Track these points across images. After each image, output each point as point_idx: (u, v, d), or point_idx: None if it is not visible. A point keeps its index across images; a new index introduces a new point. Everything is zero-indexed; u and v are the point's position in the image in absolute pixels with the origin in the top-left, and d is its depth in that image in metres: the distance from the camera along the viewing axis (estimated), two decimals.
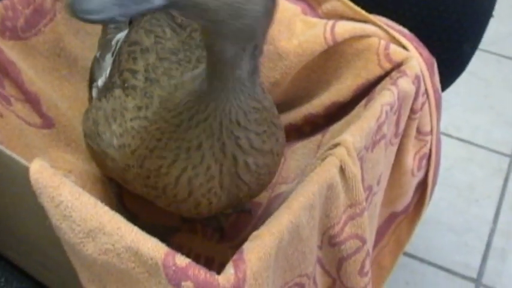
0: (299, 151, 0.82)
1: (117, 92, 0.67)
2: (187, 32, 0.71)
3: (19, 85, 0.77)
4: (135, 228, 0.53)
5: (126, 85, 0.66)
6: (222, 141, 0.57)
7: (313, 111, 0.80)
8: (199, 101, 0.57)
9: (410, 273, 1.16)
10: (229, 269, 0.50)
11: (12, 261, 0.73)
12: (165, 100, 0.62)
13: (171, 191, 0.61)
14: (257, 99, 0.58)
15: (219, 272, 0.51)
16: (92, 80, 0.75)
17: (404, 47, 0.72)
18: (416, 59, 0.71)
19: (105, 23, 0.60)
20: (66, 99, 0.84)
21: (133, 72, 0.66)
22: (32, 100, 0.79)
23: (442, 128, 1.38)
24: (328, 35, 0.73)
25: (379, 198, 0.74)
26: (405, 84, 0.68)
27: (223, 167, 0.59)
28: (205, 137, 0.57)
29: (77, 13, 0.42)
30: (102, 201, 0.55)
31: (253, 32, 0.52)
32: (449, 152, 1.36)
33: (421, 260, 1.19)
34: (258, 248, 0.51)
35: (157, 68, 0.65)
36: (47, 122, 0.81)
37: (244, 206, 0.78)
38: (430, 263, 1.19)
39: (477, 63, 1.54)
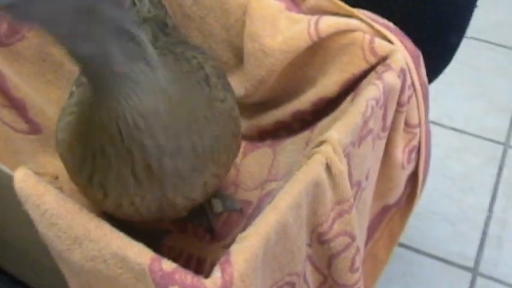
0: (288, 148, 0.82)
1: (73, 88, 0.67)
2: (170, 39, 0.71)
3: (4, 92, 0.77)
4: (121, 234, 0.52)
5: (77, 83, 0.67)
6: (127, 147, 0.52)
7: (301, 107, 0.80)
8: (92, 109, 0.53)
9: (407, 264, 1.16)
10: (216, 272, 0.50)
11: (2, 267, 0.73)
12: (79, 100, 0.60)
13: (89, 192, 0.59)
14: (158, 95, 0.51)
15: (209, 271, 0.51)
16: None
17: (389, 41, 0.71)
18: (402, 52, 0.70)
19: None
20: (53, 103, 0.83)
21: None
22: (18, 106, 0.79)
23: (435, 118, 1.39)
24: (312, 30, 0.73)
25: (368, 192, 0.74)
26: (390, 78, 0.67)
27: (136, 169, 0.54)
28: (107, 144, 0.53)
29: None
30: (90, 207, 0.55)
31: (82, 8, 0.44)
32: (443, 142, 1.36)
33: (417, 251, 1.19)
34: (245, 249, 0.51)
35: None
36: (34, 128, 0.81)
37: (235, 205, 0.78)
38: (426, 254, 1.19)
39: (468, 51, 1.54)
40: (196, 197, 0.60)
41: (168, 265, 0.50)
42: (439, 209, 1.24)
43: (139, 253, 0.51)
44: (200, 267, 0.75)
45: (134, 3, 0.78)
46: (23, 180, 0.56)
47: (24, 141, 0.80)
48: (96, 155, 0.55)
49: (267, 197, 0.77)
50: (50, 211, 0.55)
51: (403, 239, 0.91)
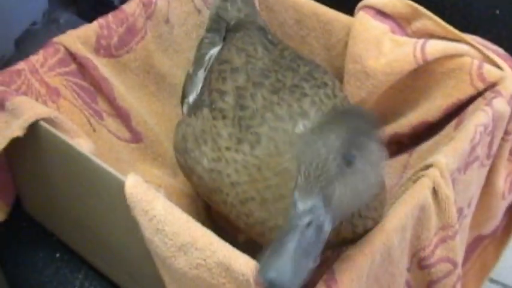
0: (385, 171, 0.81)
1: (205, 111, 0.67)
2: (278, 50, 0.71)
3: (111, 101, 0.80)
4: (227, 244, 0.53)
5: (213, 106, 0.66)
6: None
7: (400, 130, 0.79)
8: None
9: None
10: None
11: (102, 271, 0.75)
12: (274, 153, 0.59)
13: (257, 231, 0.60)
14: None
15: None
16: (183, 96, 0.76)
17: (498, 67, 0.70)
18: None
19: None
20: (154, 114, 0.86)
21: (222, 93, 0.66)
22: (122, 115, 0.81)
23: None
24: (418, 53, 0.72)
25: (468, 221, 0.72)
26: (500, 104, 0.66)
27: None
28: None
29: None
30: (196, 218, 0.56)
31: None
32: None
33: (504, 286, 1.15)
34: (350, 269, 0.51)
35: (252, 95, 0.64)
36: (136, 137, 0.83)
37: None
38: None
39: None
40: None
41: None
42: None
43: (245, 264, 0.51)
44: None
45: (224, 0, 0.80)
46: (134, 186, 0.58)
47: (126, 149, 0.82)
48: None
49: None
50: (158, 217, 0.56)
51: (491, 272, 0.88)
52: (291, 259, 0.43)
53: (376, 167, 0.49)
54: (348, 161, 0.47)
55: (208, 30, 0.82)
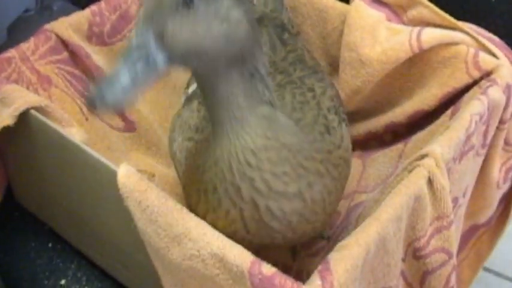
0: (379, 159, 0.81)
1: (195, 103, 0.68)
2: (286, 51, 0.71)
3: None
4: (221, 235, 0.53)
5: (199, 100, 0.67)
6: (237, 185, 0.54)
7: (395, 119, 0.79)
8: (208, 146, 0.56)
9: (486, 287, 1.13)
10: (316, 280, 0.49)
11: (94, 261, 0.75)
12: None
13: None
14: (270, 136, 0.53)
15: (295, 279, 0.50)
16: (186, 86, 0.76)
17: (494, 55, 0.69)
18: (507, 67, 0.68)
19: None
20: (147, 103, 0.85)
21: None
22: None
23: None
24: (413, 42, 0.71)
25: (463, 210, 0.72)
26: (495, 93, 0.66)
27: (244, 211, 0.55)
28: (218, 181, 0.55)
29: (106, 105, 0.46)
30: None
31: (241, 57, 0.50)
32: None
33: (497, 274, 1.15)
34: (345, 259, 0.50)
35: None
36: (129, 126, 0.83)
37: (323, 233, 0.77)
38: (507, 278, 1.15)
39: None
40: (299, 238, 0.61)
41: (268, 269, 0.50)
42: None
43: (239, 255, 0.51)
44: (286, 274, 0.74)
45: None
46: (127, 176, 0.57)
47: (119, 138, 0.82)
48: (208, 192, 0.56)
49: (357, 208, 0.76)
50: (151, 208, 0.55)
51: (485, 261, 0.88)
52: (120, 85, 0.45)
53: (225, 21, 0.48)
54: (186, 2, 0.47)
55: None
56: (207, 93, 0.52)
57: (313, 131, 0.61)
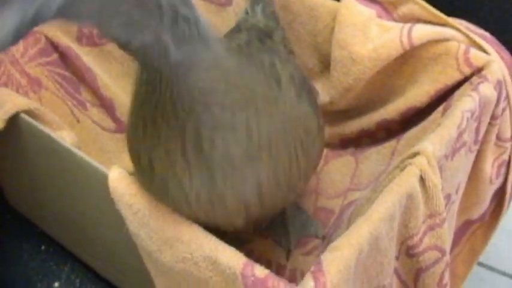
0: (372, 157, 0.80)
1: None
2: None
3: (95, 90, 0.79)
4: (213, 238, 0.53)
5: None
6: (181, 119, 0.49)
7: (388, 116, 0.78)
8: (146, 89, 0.50)
9: (480, 282, 1.13)
10: (309, 281, 0.49)
11: (88, 263, 0.74)
12: None
13: (140, 176, 0.56)
14: (215, 67, 0.49)
15: (289, 278, 0.50)
16: None
17: (485, 51, 0.69)
18: (498, 63, 0.68)
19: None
20: None
21: None
22: (106, 105, 0.80)
23: None
24: (404, 39, 0.71)
25: (456, 206, 0.72)
26: (487, 89, 0.65)
27: (186, 143, 0.50)
28: (160, 116, 0.50)
29: None
30: None
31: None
32: None
33: (491, 269, 1.15)
34: (338, 260, 0.50)
35: None
36: (121, 127, 0.82)
37: (318, 232, 0.76)
38: (500, 272, 1.15)
39: None
40: (251, 201, 0.55)
41: (261, 271, 0.50)
42: None
43: (231, 257, 0.51)
44: (279, 273, 0.74)
45: (247, 12, 0.78)
46: (118, 179, 0.57)
47: (111, 139, 0.81)
48: (147, 125, 0.51)
49: (350, 207, 0.76)
50: (143, 211, 0.55)
51: (479, 256, 0.88)
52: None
53: None
54: None
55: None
56: (132, 46, 0.44)
57: (258, 73, 0.56)
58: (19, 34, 0.36)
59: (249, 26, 0.76)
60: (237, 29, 0.77)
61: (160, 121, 0.50)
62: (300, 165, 0.58)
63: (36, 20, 0.36)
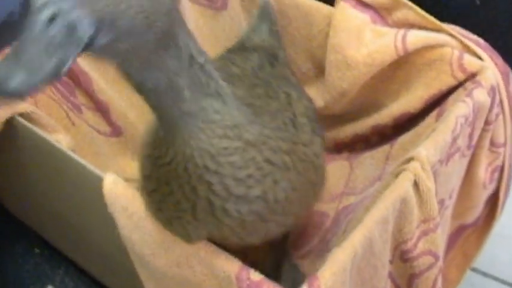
0: (366, 161, 0.81)
1: None
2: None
3: (90, 94, 0.79)
4: (209, 243, 0.53)
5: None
6: (192, 185, 0.49)
7: (382, 121, 0.79)
8: (161, 144, 0.50)
9: (471, 287, 1.13)
10: (303, 285, 0.49)
11: (82, 267, 0.75)
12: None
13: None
14: (231, 136, 0.47)
15: None
16: None
17: (478, 57, 0.70)
18: (492, 69, 0.69)
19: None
20: (134, 108, 0.85)
21: None
22: (102, 109, 0.80)
23: None
24: (399, 44, 0.72)
25: (450, 211, 0.72)
26: (480, 95, 0.66)
27: (197, 206, 0.50)
28: (172, 179, 0.49)
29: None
30: None
31: (166, 35, 0.42)
32: None
33: (484, 274, 1.15)
34: (332, 263, 0.51)
35: None
36: (116, 131, 0.82)
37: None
38: (493, 278, 1.15)
39: None
40: (254, 242, 0.57)
41: (255, 275, 0.50)
42: (508, 231, 1.20)
43: (226, 261, 0.51)
44: None
45: (253, 29, 0.79)
46: (114, 182, 0.57)
47: (106, 143, 0.81)
48: (161, 180, 0.51)
49: (345, 210, 0.76)
50: (138, 213, 0.55)
51: (473, 261, 0.88)
52: (24, 59, 0.35)
53: None
54: None
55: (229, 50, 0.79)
56: (147, 87, 0.44)
57: (275, 119, 0.55)
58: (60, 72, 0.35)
59: (255, 44, 0.77)
60: (241, 47, 0.78)
61: (174, 184, 0.49)
62: (309, 205, 0.61)
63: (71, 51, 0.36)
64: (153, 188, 0.52)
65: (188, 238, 0.53)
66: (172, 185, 0.49)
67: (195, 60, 0.45)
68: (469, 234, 0.85)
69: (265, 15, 0.81)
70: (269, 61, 0.71)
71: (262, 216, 0.52)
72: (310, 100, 0.69)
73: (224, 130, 0.47)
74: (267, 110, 0.56)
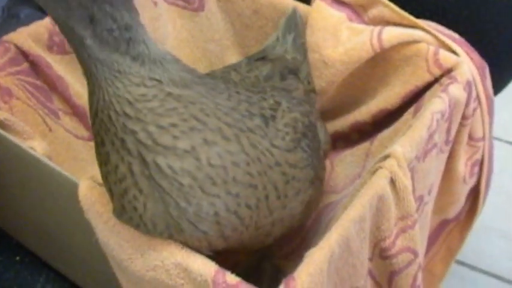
0: (347, 159, 0.81)
1: None
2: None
3: (67, 99, 0.78)
4: (184, 246, 0.52)
5: None
6: (120, 137, 0.49)
7: (361, 118, 0.79)
8: (91, 101, 0.50)
9: (461, 281, 1.13)
10: (279, 287, 0.49)
11: (63, 274, 0.74)
12: None
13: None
14: (149, 85, 0.48)
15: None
16: None
17: (454, 52, 0.70)
18: (467, 64, 0.69)
19: None
20: None
21: None
22: (79, 113, 0.80)
23: None
24: (375, 41, 0.71)
25: (430, 207, 0.72)
26: (456, 90, 0.66)
27: (133, 166, 0.49)
28: (104, 133, 0.50)
29: None
30: None
31: None
32: (499, 156, 1.32)
33: (472, 267, 1.16)
34: (308, 263, 0.50)
35: None
36: None
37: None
38: (480, 270, 1.15)
39: None
40: (211, 234, 0.53)
41: (232, 278, 0.50)
42: (495, 224, 1.20)
43: (202, 265, 0.51)
44: None
45: (277, 39, 0.78)
46: (88, 188, 0.56)
47: (84, 147, 0.81)
48: (98, 145, 0.51)
49: (326, 209, 0.76)
50: (114, 219, 0.55)
51: (457, 255, 0.89)
52: None
53: None
54: None
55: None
56: (66, 31, 0.47)
57: (238, 105, 0.54)
58: None
59: (276, 56, 0.76)
60: (262, 56, 0.77)
61: (107, 141, 0.50)
62: (271, 210, 0.56)
63: None
64: (98, 160, 0.52)
65: (146, 229, 0.52)
66: (106, 143, 0.50)
67: (108, 13, 0.47)
68: (452, 229, 0.85)
69: (291, 25, 0.80)
70: (281, 73, 0.70)
71: (198, 179, 0.50)
72: (311, 118, 0.66)
73: (142, 79, 0.48)
74: (237, 99, 0.55)
